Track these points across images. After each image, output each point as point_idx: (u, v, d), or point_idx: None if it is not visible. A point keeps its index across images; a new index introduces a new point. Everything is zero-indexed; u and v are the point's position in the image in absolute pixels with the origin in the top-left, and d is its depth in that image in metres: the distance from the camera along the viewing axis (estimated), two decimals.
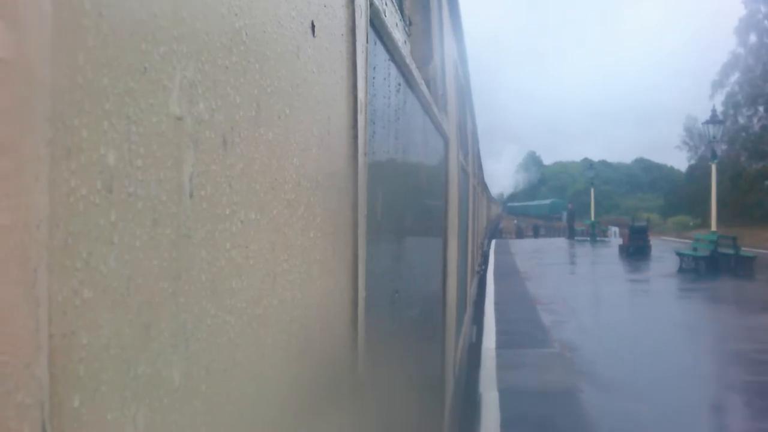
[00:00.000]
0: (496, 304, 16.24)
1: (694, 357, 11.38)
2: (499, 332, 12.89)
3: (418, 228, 2.89)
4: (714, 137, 26.16)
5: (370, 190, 1.52)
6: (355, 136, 1.35)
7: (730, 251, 22.98)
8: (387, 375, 1.97)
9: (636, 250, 30.58)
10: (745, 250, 24.12)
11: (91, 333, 0.52)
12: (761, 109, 48.18)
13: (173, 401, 0.64)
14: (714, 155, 26.76)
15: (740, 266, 22.46)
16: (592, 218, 46.86)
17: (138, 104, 0.59)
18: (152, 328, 0.61)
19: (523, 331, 13.38)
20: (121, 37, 0.56)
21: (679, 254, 24.38)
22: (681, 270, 23.47)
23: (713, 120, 26.92)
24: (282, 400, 0.92)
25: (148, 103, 0.60)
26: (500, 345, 11.83)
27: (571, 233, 47.47)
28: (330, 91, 1.20)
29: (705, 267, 22.88)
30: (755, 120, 48.53)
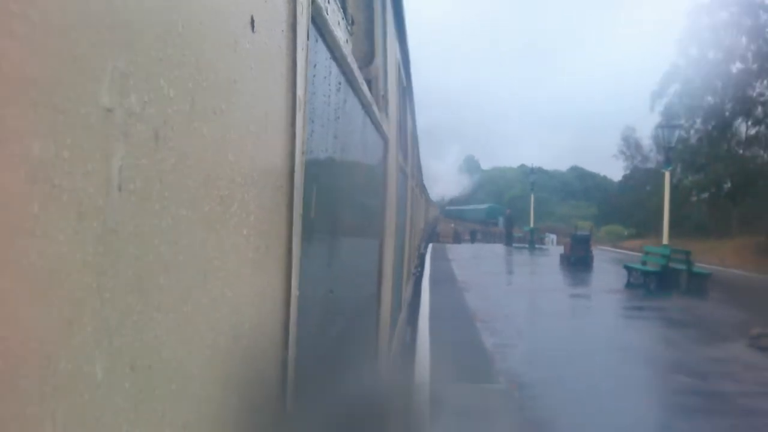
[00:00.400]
0: (432, 319, 13.45)
1: (673, 402, 9.50)
2: (435, 358, 10.16)
3: (355, 228, 2.89)
4: (669, 142, 25.27)
5: (306, 189, 1.51)
6: (293, 134, 1.34)
7: (682, 267, 21.25)
8: (319, 374, 1.97)
9: (578, 260, 29.00)
10: (698, 266, 22.32)
11: (10, 327, 0.51)
12: (698, 121, 49.42)
13: (95, 398, 0.62)
14: (668, 162, 25.27)
15: (694, 284, 20.68)
16: (532, 225, 45.06)
17: (66, 94, 0.57)
18: (75, 323, 0.59)
19: (462, 357, 10.98)
20: (50, 24, 0.55)
21: (628, 268, 22.69)
22: (630, 285, 21.89)
23: (668, 124, 25.89)
24: (208, 399, 0.90)
25: (77, 93, 0.58)
26: (436, 376, 9.32)
27: (508, 240, 44.72)
28: (268, 88, 1.19)
29: (656, 283, 21.06)
30: (692, 132, 49.75)
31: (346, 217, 2.54)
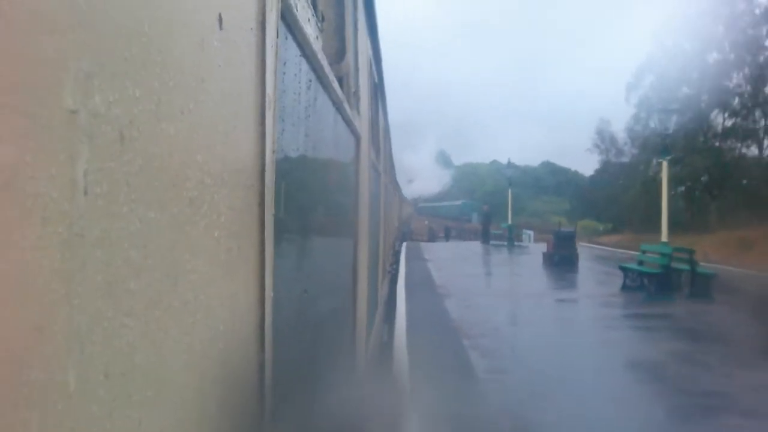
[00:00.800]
0: (410, 335, 11.35)
1: None
2: (419, 398, 6.87)
3: (328, 226, 2.88)
4: (666, 129, 22.70)
5: (278, 188, 1.50)
6: (263, 133, 1.33)
7: (685, 267, 18.49)
8: (296, 375, 1.96)
9: (562, 260, 25.98)
10: (703, 266, 19.22)
11: None
12: (674, 113, 49.43)
13: (69, 407, 0.61)
14: (666, 151, 22.29)
15: (698, 286, 17.98)
16: (510, 221, 41.04)
17: (28, 97, 0.55)
18: (45, 331, 0.58)
19: (450, 392, 7.84)
20: (13, 25, 0.53)
21: (624, 269, 19.84)
22: (626, 288, 19.09)
23: (665, 108, 23.54)
24: (184, 404, 0.89)
25: (40, 95, 0.57)
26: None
27: (485, 237, 40.67)
28: (237, 86, 1.17)
29: (656, 285, 18.35)
30: (669, 124, 49.67)
31: (319, 216, 2.53)
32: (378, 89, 8.25)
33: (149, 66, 0.77)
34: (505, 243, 38.90)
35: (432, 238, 59.66)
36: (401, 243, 34.48)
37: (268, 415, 1.36)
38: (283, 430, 1.56)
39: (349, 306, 3.94)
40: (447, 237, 63.45)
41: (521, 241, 43.30)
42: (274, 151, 1.42)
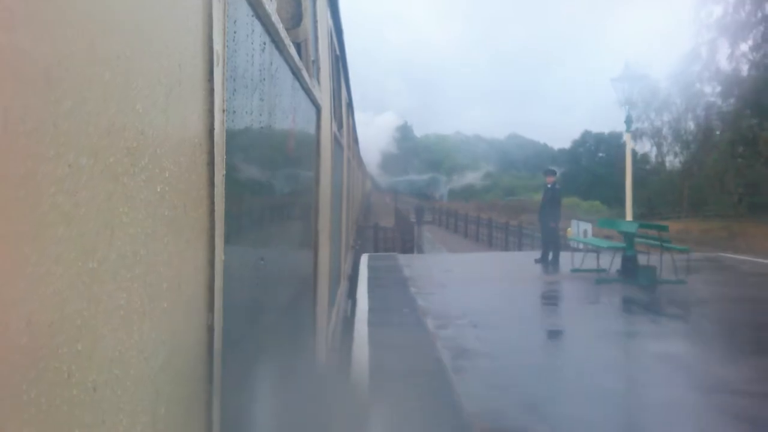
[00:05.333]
0: None
1: None
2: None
3: (287, 194, 2.84)
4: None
5: (230, 149, 1.46)
6: (211, 90, 1.29)
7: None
8: (248, 340, 1.93)
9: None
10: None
11: None
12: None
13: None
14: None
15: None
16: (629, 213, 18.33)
17: None
18: None
19: None
20: None
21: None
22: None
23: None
24: (117, 361, 0.86)
25: None
26: None
27: (551, 246, 16.84)
28: (181, 39, 1.13)
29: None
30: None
31: (277, 182, 2.49)
32: (340, 61, 8.17)
33: (79, 3, 0.73)
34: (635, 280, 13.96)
35: (403, 225, 36.26)
36: (356, 250, 19.48)
37: (216, 380, 1.34)
38: (232, 395, 1.54)
39: (309, 278, 3.91)
40: (418, 220, 46.00)
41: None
42: (224, 110, 1.38)
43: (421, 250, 34.40)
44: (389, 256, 19.37)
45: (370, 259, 17.79)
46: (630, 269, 13.79)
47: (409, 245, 31.69)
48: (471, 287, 13.26)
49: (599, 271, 14.43)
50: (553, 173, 16.81)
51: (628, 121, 18.30)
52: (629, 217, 17.42)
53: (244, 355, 1.79)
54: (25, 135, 0.63)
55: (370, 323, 9.43)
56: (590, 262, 15.09)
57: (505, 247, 35.61)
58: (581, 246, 17.09)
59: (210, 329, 1.30)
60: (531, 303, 11.85)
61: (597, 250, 14.98)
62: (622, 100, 17.77)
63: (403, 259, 18.48)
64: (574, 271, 14.94)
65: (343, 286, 10.50)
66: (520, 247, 33.85)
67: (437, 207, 63.75)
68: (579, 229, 18.44)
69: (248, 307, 1.92)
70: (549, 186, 16.67)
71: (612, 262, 14.37)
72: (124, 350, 0.86)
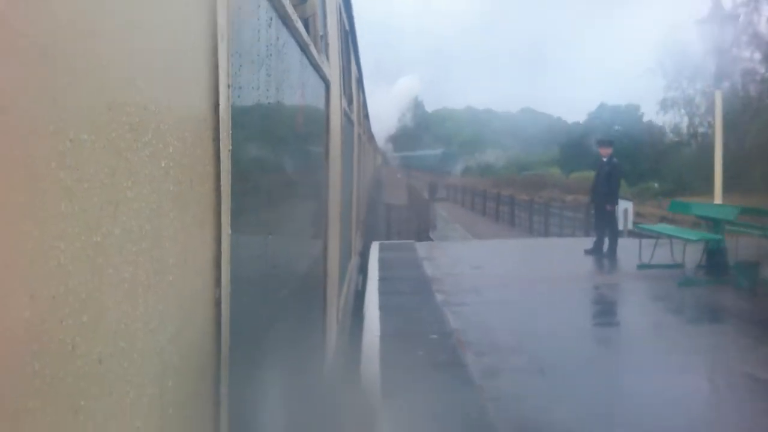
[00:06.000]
0: None
1: None
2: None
3: (295, 169, 2.84)
4: None
5: (236, 124, 1.46)
6: (216, 65, 1.29)
7: None
8: (256, 315, 1.95)
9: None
10: None
11: None
12: None
13: None
14: None
15: None
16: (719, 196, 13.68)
17: None
18: None
19: None
20: None
21: None
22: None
23: None
24: (123, 337, 0.87)
25: None
26: None
27: (611, 237, 13.89)
28: (185, 15, 1.13)
29: None
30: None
31: (285, 158, 2.49)
32: (349, 36, 8.12)
33: None
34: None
35: (422, 215, 29.86)
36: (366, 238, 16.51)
37: (224, 356, 1.35)
38: (240, 368, 1.55)
39: (320, 253, 3.93)
40: (432, 195, 42.70)
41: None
42: (229, 86, 1.38)
43: (440, 234, 29.48)
44: (404, 245, 16.05)
45: (381, 249, 14.59)
46: (719, 266, 10.81)
47: (426, 229, 28.05)
48: (513, 294, 9.95)
49: (674, 267, 11.16)
50: (610, 144, 14.16)
51: (718, 77, 13.94)
52: (718, 199, 13.49)
53: (252, 329, 1.80)
54: (24, 110, 0.63)
55: (385, 363, 6.05)
56: (659, 254, 11.73)
57: (531, 230, 31.33)
58: (626, 230, 13.86)
59: (217, 303, 1.31)
60: (603, 319, 8.85)
61: (666, 239, 11.65)
62: (709, 47, 13.65)
63: (421, 249, 15.24)
64: (642, 267, 11.72)
65: (354, 260, 10.53)
66: (547, 230, 29.83)
67: (452, 183, 59.37)
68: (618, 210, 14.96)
69: (257, 282, 1.93)
70: (605, 160, 13.87)
71: (684, 255, 10.93)
72: (130, 322, 0.87)
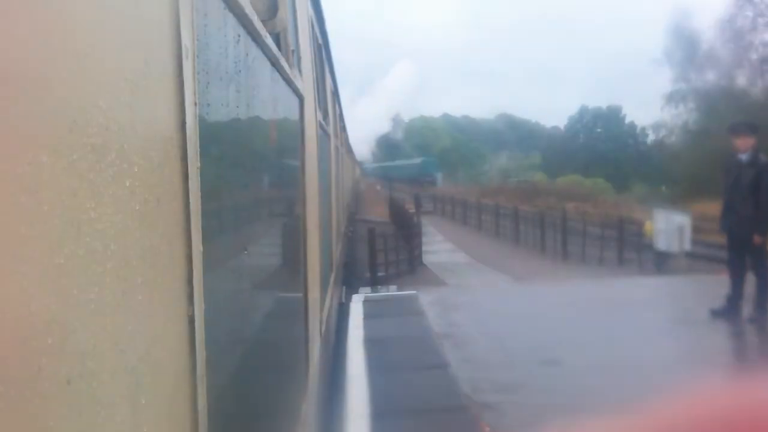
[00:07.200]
0: None
1: None
2: None
3: (269, 186, 2.85)
4: None
5: (205, 141, 1.47)
6: (181, 84, 1.29)
7: None
8: (233, 328, 1.95)
9: None
10: None
11: None
12: None
13: None
14: None
15: None
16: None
17: None
18: None
19: None
20: None
21: None
22: None
23: None
24: (90, 357, 0.87)
25: None
26: None
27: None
28: (147, 35, 1.14)
29: None
30: None
31: (258, 173, 2.50)
32: (323, 49, 8.15)
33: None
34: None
35: (409, 236, 25.92)
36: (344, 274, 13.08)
37: (200, 373, 1.35)
38: (216, 383, 1.55)
39: (300, 267, 3.93)
40: (417, 210, 36.86)
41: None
42: (196, 104, 1.39)
43: (436, 261, 23.80)
44: (402, 303, 11.16)
45: (367, 314, 9.59)
46: None
47: (418, 255, 23.41)
48: None
49: None
50: (751, 129, 8.40)
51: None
52: None
53: (229, 345, 1.80)
54: None
55: None
56: None
57: (544, 249, 25.32)
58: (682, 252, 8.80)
59: (191, 320, 1.32)
60: None
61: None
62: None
63: (432, 309, 10.40)
64: None
65: (335, 274, 10.53)
66: (565, 249, 24.02)
67: (438, 194, 54.44)
68: (669, 226, 10.96)
69: (233, 298, 1.94)
70: (744, 157, 8.37)
71: None
72: (98, 343, 0.87)
